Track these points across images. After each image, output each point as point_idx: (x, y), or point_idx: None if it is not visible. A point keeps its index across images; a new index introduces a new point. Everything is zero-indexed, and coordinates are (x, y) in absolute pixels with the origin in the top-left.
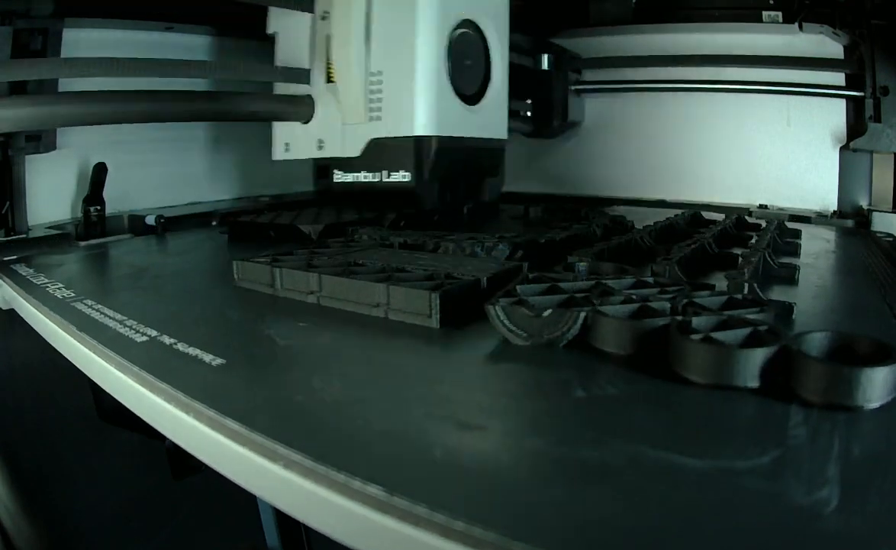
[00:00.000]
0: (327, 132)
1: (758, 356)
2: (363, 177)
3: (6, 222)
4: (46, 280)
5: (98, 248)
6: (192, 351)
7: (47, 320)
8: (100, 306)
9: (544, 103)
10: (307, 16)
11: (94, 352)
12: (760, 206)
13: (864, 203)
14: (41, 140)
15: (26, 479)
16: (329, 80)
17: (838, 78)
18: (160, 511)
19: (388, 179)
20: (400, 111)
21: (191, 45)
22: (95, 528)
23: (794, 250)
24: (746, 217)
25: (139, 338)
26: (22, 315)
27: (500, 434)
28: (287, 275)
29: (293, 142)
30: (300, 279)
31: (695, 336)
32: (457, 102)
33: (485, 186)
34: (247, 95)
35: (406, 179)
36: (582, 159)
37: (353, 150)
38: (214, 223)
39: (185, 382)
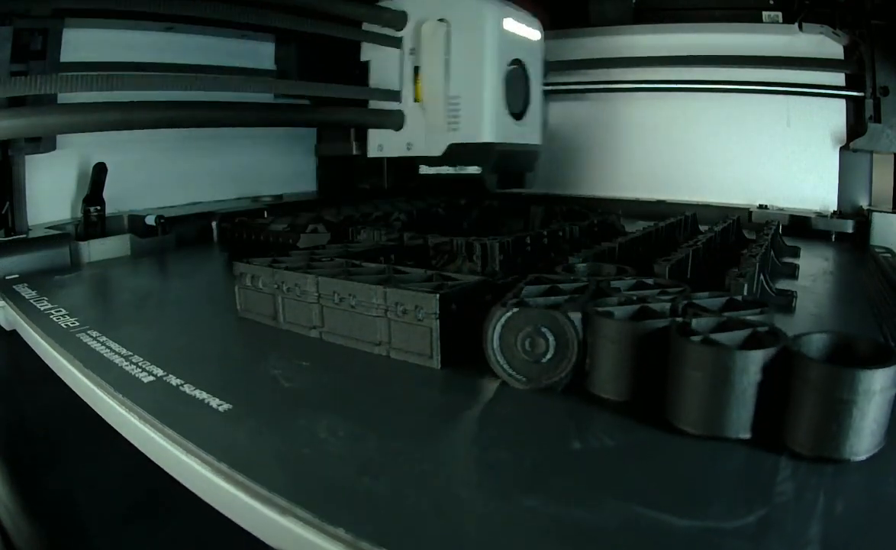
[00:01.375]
0: (415, 137)
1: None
2: (445, 170)
3: (6, 222)
4: (49, 306)
5: (99, 267)
6: (200, 395)
7: (55, 354)
8: (104, 338)
9: None
10: (396, 50)
11: (102, 392)
12: (760, 206)
13: (864, 203)
14: (41, 140)
15: (26, 479)
16: (416, 99)
17: (838, 78)
18: (161, 512)
19: (463, 172)
20: (473, 124)
21: (191, 45)
22: (96, 528)
23: (792, 272)
24: (748, 216)
25: (146, 378)
26: (28, 342)
27: (497, 495)
28: (289, 308)
29: (386, 143)
30: (302, 313)
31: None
32: (509, 117)
33: (525, 177)
34: (353, 108)
35: (477, 172)
36: (581, 160)
37: (437, 151)
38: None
39: (195, 431)
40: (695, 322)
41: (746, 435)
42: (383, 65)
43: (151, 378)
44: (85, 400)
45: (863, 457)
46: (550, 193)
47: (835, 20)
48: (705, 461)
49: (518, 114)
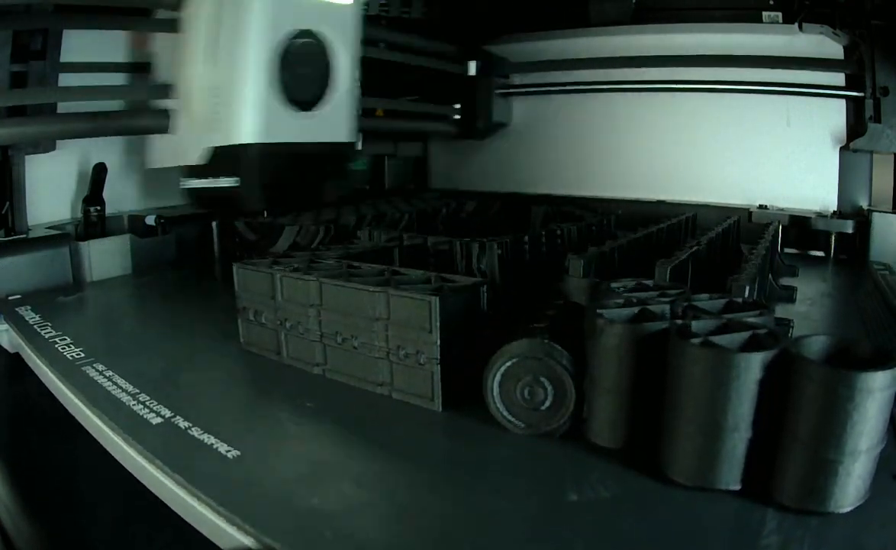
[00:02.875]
0: (183, 142)
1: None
2: (203, 183)
3: (6, 222)
4: (54, 333)
5: (101, 288)
6: (208, 439)
7: (64, 389)
8: (110, 372)
9: (469, 107)
10: (176, 37)
11: (110, 431)
12: (760, 206)
13: (864, 204)
14: (41, 141)
15: (26, 479)
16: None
17: (838, 78)
18: (161, 512)
19: (218, 184)
20: (230, 121)
21: None
22: (96, 528)
23: (790, 296)
24: (748, 216)
25: (154, 419)
26: (34, 371)
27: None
28: (292, 345)
29: (161, 152)
30: (305, 350)
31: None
32: (286, 109)
33: (325, 187)
34: (127, 112)
35: (232, 184)
36: (581, 160)
37: (199, 158)
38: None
39: (205, 480)
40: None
41: (736, 487)
42: (165, 56)
43: (160, 420)
44: (95, 437)
45: (847, 509)
46: (551, 193)
47: (835, 20)
48: (696, 513)
49: (307, 102)
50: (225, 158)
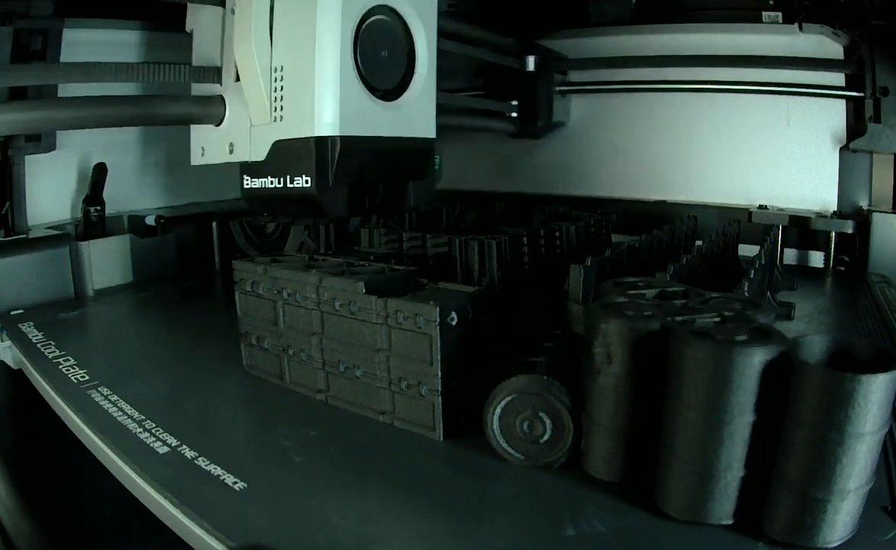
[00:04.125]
0: (237, 135)
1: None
2: (269, 183)
3: (6, 222)
4: (57, 352)
5: (102, 303)
6: (215, 470)
7: (70, 413)
8: (115, 397)
9: (529, 104)
10: (220, 11)
11: (119, 459)
12: (760, 206)
13: (864, 204)
14: (41, 140)
15: (26, 479)
16: (237, 79)
17: (838, 78)
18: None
19: (290, 185)
20: (301, 110)
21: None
22: (96, 528)
23: (788, 312)
24: (748, 217)
25: (161, 448)
26: (39, 392)
27: None
28: (294, 370)
29: (208, 146)
30: (308, 376)
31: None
32: (368, 97)
33: (410, 190)
34: (159, 98)
35: (307, 186)
36: (580, 160)
37: (259, 153)
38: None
39: (213, 514)
40: None
41: (729, 522)
42: (205, 34)
43: (166, 449)
44: (101, 461)
45: (836, 544)
46: (551, 193)
47: (835, 20)
48: (689, 547)
49: (388, 92)
50: (295, 155)
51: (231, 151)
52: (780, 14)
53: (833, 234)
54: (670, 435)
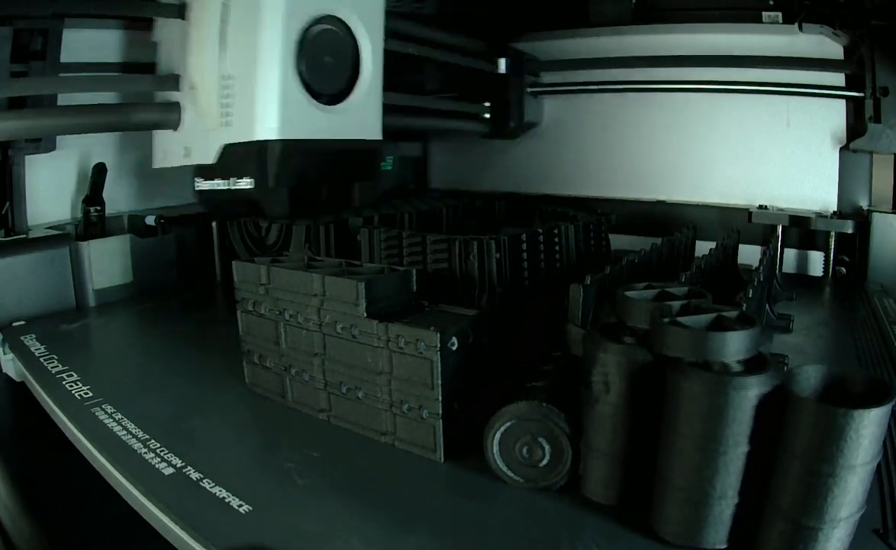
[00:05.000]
0: (192, 139)
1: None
2: (217, 185)
3: (6, 222)
4: (60, 367)
5: (104, 314)
6: (220, 492)
7: (75, 431)
8: (120, 415)
9: (501, 106)
10: (181, 22)
11: (124, 480)
12: (760, 206)
13: (864, 204)
14: (41, 140)
15: (26, 479)
16: (192, 86)
17: (838, 78)
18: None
19: (235, 187)
20: (246, 116)
21: None
22: (96, 529)
23: (787, 325)
24: (748, 217)
25: (166, 469)
26: (43, 407)
27: None
28: (297, 390)
29: (168, 149)
30: (310, 395)
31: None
32: (310, 103)
33: (355, 190)
34: (124, 106)
35: (249, 187)
36: (580, 160)
37: (210, 156)
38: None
39: (219, 538)
40: None
41: (723, 546)
42: (168, 45)
43: (172, 470)
44: (107, 480)
45: None
46: (551, 193)
47: (835, 20)
48: None
49: (333, 96)
50: (241, 158)
51: (186, 155)
52: (780, 14)
53: (833, 234)
54: (666, 464)
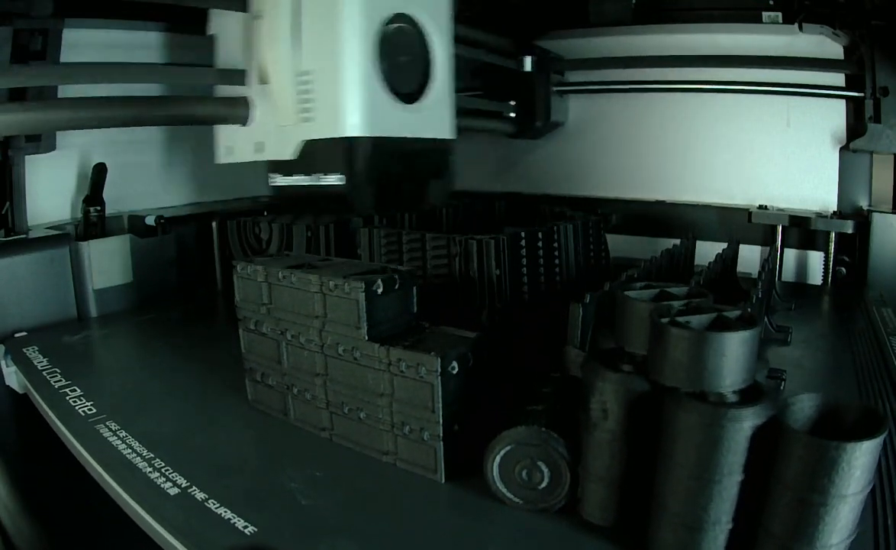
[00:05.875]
0: (265, 134)
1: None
2: (299, 180)
3: (6, 222)
4: (63, 382)
5: (106, 326)
6: (226, 513)
7: (80, 449)
8: (124, 433)
9: (527, 105)
10: (242, 15)
11: (131, 500)
12: (760, 207)
13: (864, 204)
14: (41, 140)
15: (26, 479)
16: (262, 80)
17: (838, 79)
18: None
19: (321, 183)
20: (330, 111)
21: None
22: (96, 529)
23: (785, 338)
24: (748, 217)
25: (171, 489)
26: (48, 421)
27: None
28: (299, 408)
29: (235, 145)
30: (312, 414)
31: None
32: (391, 100)
33: (428, 189)
34: (187, 99)
35: (339, 183)
36: (580, 160)
37: (288, 152)
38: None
39: None
40: None
41: None
42: (230, 38)
43: (177, 490)
44: (114, 499)
45: None
46: (551, 193)
47: (835, 20)
48: None
49: (409, 95)
50: (325, 154)
51: (258, 150)
52: (780, 14)
53: (833, 234)
54: (662, 489)
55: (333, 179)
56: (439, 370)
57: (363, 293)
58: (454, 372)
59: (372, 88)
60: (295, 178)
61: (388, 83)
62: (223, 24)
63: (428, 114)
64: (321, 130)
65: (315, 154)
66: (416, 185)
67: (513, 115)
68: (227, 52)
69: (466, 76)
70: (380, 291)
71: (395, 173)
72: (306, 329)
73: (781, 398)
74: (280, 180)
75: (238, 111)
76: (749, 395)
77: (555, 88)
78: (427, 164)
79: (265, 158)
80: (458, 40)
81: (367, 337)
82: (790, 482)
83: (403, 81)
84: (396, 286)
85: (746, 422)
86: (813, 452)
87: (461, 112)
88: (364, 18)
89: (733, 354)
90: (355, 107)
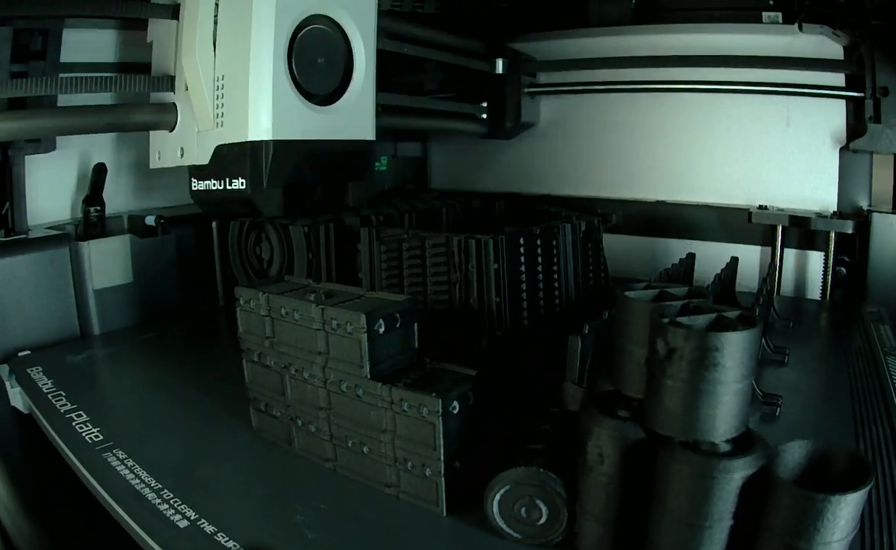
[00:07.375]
0: (187, 140)
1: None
2: (212, 185)
3: (6, 222)
4: (68, 405)
5: (109, 345)
6: (235, 547)
7: (89, 477)
8: (132, 462)
9: (498, 106)
10: (174, 23)
11: (142, 531)
12: (760, 207)
13: (864, 204)
14: (41, 140)
15: (26, 479)
16: (186, 87)
17: (838, 79)
18: None
19: (229, 187)
20: (238, 117)
21: None
22: (96, 529)
23: (782, 359)
24: (748, 217)
25: (181, 522)
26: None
27: None
28: (302, 439)
29: (163, 150)
30: (316, 446)
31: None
32: (302, 103)
33: (349, 190)
34: (123, 106)
35: (242, 187)
36: (580, 160)
37: (205, 157)
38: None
39: None
40: None
41: None
42: (162, 46)
43: (186, 523)
44: (124, 529)
45: None
46: (551, 193)
47: (835, 20)
48: None
49: (325, 97)
50: (234, 158)
51: (181, 155)
52: (780, 14)
53: (833, 234)
54: (655, 531)
55: (238, 184)
56: (441, 410)
57: (365, 334)
58: (455, 412)
59: (281, 90)
60: (207, 183)
61: (299, 86)
62: (157, 31)
63: (346, 115)
64: (231, 134)
65: (225, 158)
66: (332, 187)
67: (484, 116)
68: (160, 59)
69: (439, 79)
70: (381, 331)
71: (306, 176)
72: (309, 365)
73: (770, 448)
74: (195, 185)
75: (166, 117)
76: (741, 445)
77: (526, 90)
78: (344, 165)
79: (187, 163)
80: (431, 45)
81: (369, 376)
82: (777, 529)
83: (319, 83)
84: (398, 325)
85: (737, 473)
86: (800, 502)
87: (430, 114)
88: (274, 22)
89: (726, 405)
90: (261, 110)
